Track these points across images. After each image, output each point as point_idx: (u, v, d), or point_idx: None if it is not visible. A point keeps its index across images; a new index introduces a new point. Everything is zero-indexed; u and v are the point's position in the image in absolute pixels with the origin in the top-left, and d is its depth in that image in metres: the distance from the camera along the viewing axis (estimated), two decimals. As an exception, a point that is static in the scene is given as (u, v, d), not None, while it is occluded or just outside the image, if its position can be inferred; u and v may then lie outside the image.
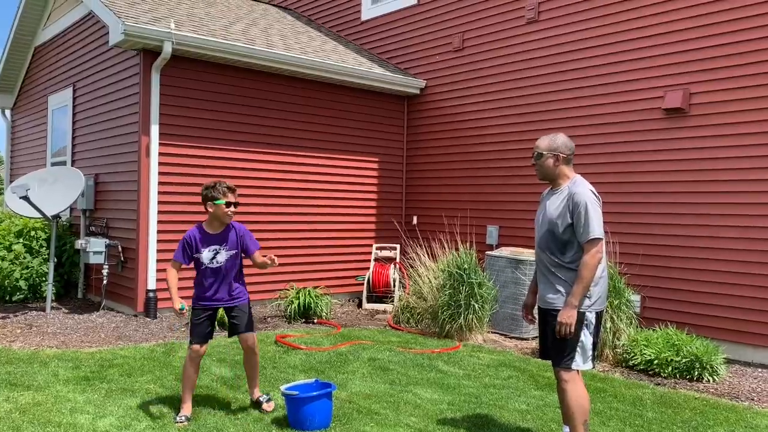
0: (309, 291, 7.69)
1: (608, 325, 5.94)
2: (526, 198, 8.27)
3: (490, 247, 8.41)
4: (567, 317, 3.48)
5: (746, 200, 6.22)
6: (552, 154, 3.69)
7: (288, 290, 7.86)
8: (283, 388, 4.20)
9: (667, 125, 6.87)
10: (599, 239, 3.49)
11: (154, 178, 7.49)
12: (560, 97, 7.92)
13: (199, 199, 4.54)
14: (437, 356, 6.08)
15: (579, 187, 3.62)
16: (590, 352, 3.59)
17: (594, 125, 7.52)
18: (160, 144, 7.56)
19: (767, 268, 6.09)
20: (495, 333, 7.22)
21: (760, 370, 5.92)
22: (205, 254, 4.27)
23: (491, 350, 6.47)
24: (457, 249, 7.25)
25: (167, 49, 7.27)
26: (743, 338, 6.21)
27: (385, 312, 8.41)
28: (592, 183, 7.36)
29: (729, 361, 6.05)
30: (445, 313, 6.88)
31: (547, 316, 3.68)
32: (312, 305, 7.58)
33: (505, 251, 7.54)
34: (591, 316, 3.56)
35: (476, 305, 6.82)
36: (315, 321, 7.60)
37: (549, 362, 6.04)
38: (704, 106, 6.61)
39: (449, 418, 4.37)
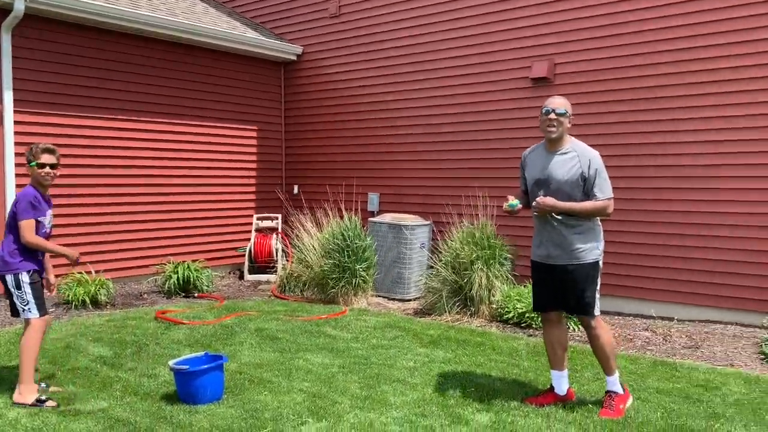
0: (188, 264, 7.45)
1: (483, 281, 6.29)
2: (405, 165, 8.48)
3: (372, 214, 8.57)
4: (546, 201, 3.79)
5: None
6: (570, 116, 3.88)
7: (165, 264, 7.57)
8: (171, 363, 4.09)
9: (534, 94, 7.30)
10: (610, 198, 3.82)
11: (9, 148, 6.86)
12: (437, 66, 8.14)
13: (61, 170, 4.31)
14: (325, 322, 6.15)
15: (589, 150, 3.86)
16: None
17: (470, 93, 7.82)
18: (16, 111, 6.92)
19: (613, 225, 6.72)
20: (379, 296, 7.42)
21: (616, 317, 6.56)
22: (48, 216, 4.13)
23: (377, 313, 6.65)
24: (341, 217, 7.32)
25: (19, 6, 6.61)
26: (616, 291, 6.84)
27: (268, 282, 8.35)
28: (471, 149, 7.60)
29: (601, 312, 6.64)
30: (330, 279, 6.95)
31: (560, 272, 3.89)
32: (192, 279, 7.36)
33: (387, 217, 7.72)
34: (601, 264, 3.91)
35: (361, 270, 6.96)
36: (196, 295, 7.40)
37: (431, 320, 6.43)
38: (568, 75, 7.09)
39: (342, 379, 4.48)
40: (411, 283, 7.38)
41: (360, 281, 6.97)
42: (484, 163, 7.71)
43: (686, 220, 6.37)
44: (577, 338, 5.68)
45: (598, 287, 3.88)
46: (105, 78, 7.69)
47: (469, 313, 6.38)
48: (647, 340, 5.61)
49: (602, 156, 3.87)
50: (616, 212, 7.00)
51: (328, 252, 7.05)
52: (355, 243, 6.97)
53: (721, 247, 6.16)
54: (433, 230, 7.79)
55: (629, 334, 5.82)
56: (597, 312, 3.87)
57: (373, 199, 8.74)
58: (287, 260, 8.35)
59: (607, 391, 3.94)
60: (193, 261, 7.69)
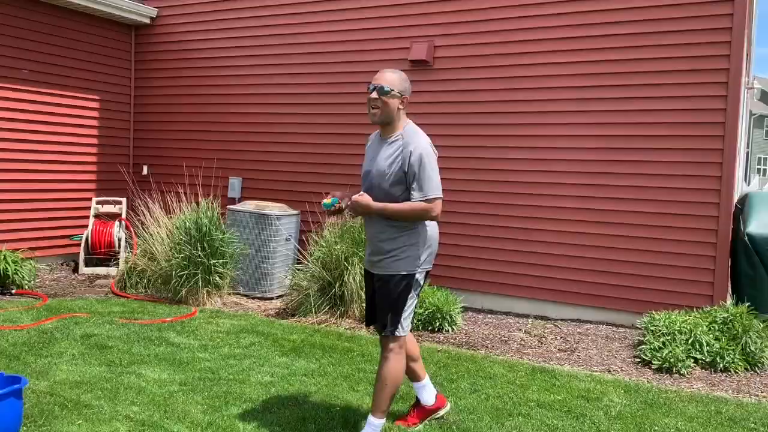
0: (4, 255, 6.23)
1: (358, 279, 5.73)
2: (272, 148, 7.70)
3: (234, 201, 7.71)
4: (360, 200, 3.11)
5: (478, 155, 6.45)
6: (400, 95, 3.16)
7: (-25, 255, 6.28)
8: (-56, 391, 3.11)
9: (414, 77, 6.81)
10: (437, 199, 3.11)
11: None
12: (311, 40, 7.43)
13: None
14: (169, 326, 5.29)
15: (415, 137, 3.17)
16: (412, 316, 3.27)
17: (345, 73, 7.19)
18: None
19: (485, 220, 6.42)
20: (237, 294, 6.62)
21: (489, 315, 6.25)
22: None
23: (232, 314, 5.86)
24: (198, 203, 6.44)
25: None
26: (474, 286, 6.52)
27: (107, 277, 7.26)
28: (349, 134, 6.93)
29: (465, 309, 6.29)
30: (180, 274, 6.07)
31: (375, 281, 3.26)
32: (8, 272, 6.15)
33: (249, 205, 6.93)
34: (420, 277, 3.23)
35: (217, 265, 6.13)
36: (13, 292, 6.19)
37: (295, 322, 5.77)
38: (447, 60, 6.67)
39: (181, 401, 3.70)
40: (274, 279, 6.66)
41: (215, 278, 6.15)
42: (361, 149, 7.11)
43: (558, 216, 6.17)
44: (451, 341, 5.27)
45: (411, 305, 3.21)
46: None
47: (338, 313, 5.78)
48: (522, 342, 5.32)
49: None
50: (489, 206, 6.79)
51: (179, 244, 6.16)
52: (212, 234, 6.13)
53: (590, 244, 6.02)
54: (301, 221, 7.10)
55: (503, 336, 5.50)
56: (401, 332, 3.17)
57: (235, 184, 7.88)
58: (131, 252, 7.30)
59: None
60: (13, 251, 6.46)
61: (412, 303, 3.22)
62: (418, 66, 6.77)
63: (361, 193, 3.18)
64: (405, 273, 3.17)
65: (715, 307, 5.20)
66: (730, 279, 5.62)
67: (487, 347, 5.17)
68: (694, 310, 5.33)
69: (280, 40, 7.61)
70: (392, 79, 3.14)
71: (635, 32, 5.84)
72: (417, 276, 3.20)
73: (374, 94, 3.14)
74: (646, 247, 5.80)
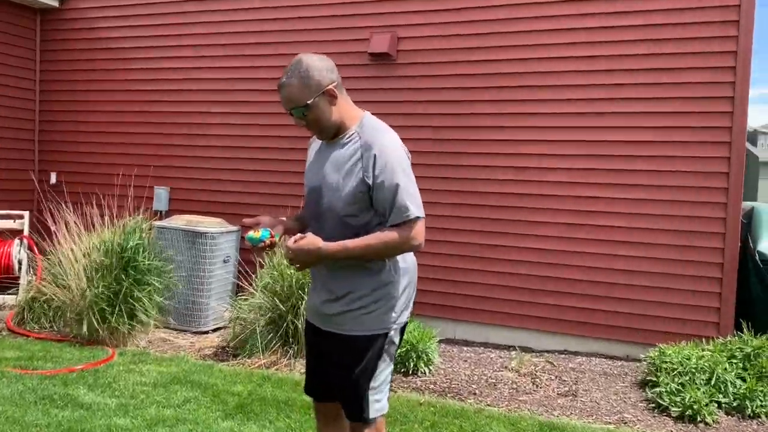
0: None
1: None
2: (205, 153, 6.63)
3: (160, 216, 6.59)
4: (301, 247, 2.18)
5: (448, 162, 5.63)
6: (323, 92, 2.23)
7: None
8: None
9: (374, 73, 5.93)
10: (418, 220, 2.20)
11: None
12: (247, 29, 6.42)
13: None
14: (79, 377, 4.19)
15: (378, 134, 2.26)
16: (389, 383, 2.36)
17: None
18: None
19: (457, 236, 5.61)
20: (167, 329, 5.54)
21: (465, 348, 5.43)
22: None
23: (160, 358, 4.79)
24: (120, 218, 5.33)
25: None
26: (447, 313, 5.68)
27: (2, 308, 6.00)
28: (298, 137, 5.87)
29: (447, 341, 5.45)
30: (96, 307, 4.94)
31: (327, 338, 2.33)
32: None
33: (179, 220, 5.85)
34: (396, 335, 2.32)
35: (142, 295, 5.04)
36: None
37: (239, 365, 4.75)
38: (413, 53, 5.82)
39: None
40: (210, 309, 5.61)
41: (140, 311, 5.05)
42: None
43: (541, 232, 5.42)
44: (431, 386, 4.40)
45: (385, 374, 2.31)
46: None
47: (291, 352, 4.81)
48: (514, 386, 4.50)
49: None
50: (461, 220, 5.92)
51: (97, 270, 5.04)
52: (137, 259, 5.04)
53: (578, 265, 5.29)
54: (242, 239, 6.07)
55: (489, 377, 4.68)
56: (374, 413, 2.28)
57: (161, 195, 6.75)
58: (35, 277, 6.06)
59: None
60: None
61: (386, 371, 2.31)
62: (378, 60, 5.89)
63: (300, 235, 2.22)
64: (375, 333, 2.26)
65: (730, 338, 4.55)
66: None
67: (475, 394, 4.33)
68: (703, 340, 4.68)
69: (213, 28, 6.57)
70: (296, 86, 2.21)
71: (627, 24, 5.18)
72: (392, 334, 2.30)
73: (297, 119, 2.26)
74: (642, 267, 5.12)
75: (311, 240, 2.18)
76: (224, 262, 5.76)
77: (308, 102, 2.21)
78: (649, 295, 5.09)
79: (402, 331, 2.37)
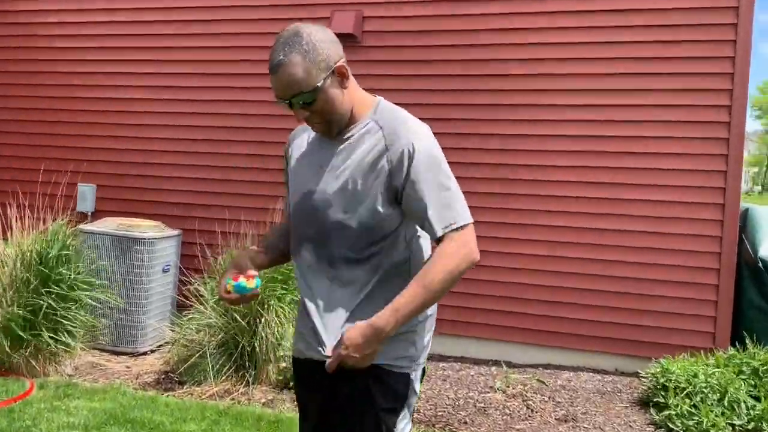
0: None
1: (277, 329, 4.13)
2: (138, 145, 5.82)
3: (85, 217, 5.73)
4: (362, 336, 1.61)
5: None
6: (331, 73, 1.67)
7: None
8: None
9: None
10: (469, 225, 1.71)
11: None
12: (190, 4, 5.66)
13: None
14: (-13, 422, 3.39)
15: (405, 124, 1.74)
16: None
17: (246, 48, 5.52)
18: None
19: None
20: (98, 350, 4.73)
21: (443, 364, 4.88)
22: None
23: (91, 389, 4.02)
24: (44, 222, 4.49)
25: None
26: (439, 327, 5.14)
27: None
28: (249, 128, 5.19)
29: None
30: (13, 331, 4.10)
31: (326, 376, 1.72)
32: None
33: (110, 224, 5.03)
34: (416, 379, 1.81)
35: (68, 315, 4.23)
36: None
37: (186, 394, 4.01)
38: (380, 35, 5.23)
39: None
40: (148, 327, 4.84)
41: (65, 333, 4.24)
42: (267, 148, 5.43)
43: (524, 236, 4.96)
44: (417, 415, 3.84)
45: (406, 422, 1.80)
46: None
47: (247, 377, 4.15)
48: (506, 410, 4.01)
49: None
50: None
51: (12, 284, 4.21)
52: (60, 270, 4.22)
53: (562, 271, 4.86)
54: (183, 244, 5.31)
55: (477, 400, 4.16)
56: None
57: (86, 194, 5.86)
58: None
59: None
60: None
61: (406, 422, 1.80)
62: (341, 41, 5.25)
63: (350, 325, 1.67)
64: (399, 371, 1.76)
65: (732, 351, 4.22)
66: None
67: (466, 423, 3.80)
68: (701, 352, 4.34)
69: (141, 3, 5.76)
70: (300, 65, 1.63)
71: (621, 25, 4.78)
72: (413, 378, 1.79)
73: (299, 110, 1.68)
74: (632, 273, 4.74)
75: (364, 330, 1.61)
76: (164, 271, 5.00)
77: (318, 84, 1.64)
78: (641, 303, 4.70)
79: (421, 378, 1.85)
